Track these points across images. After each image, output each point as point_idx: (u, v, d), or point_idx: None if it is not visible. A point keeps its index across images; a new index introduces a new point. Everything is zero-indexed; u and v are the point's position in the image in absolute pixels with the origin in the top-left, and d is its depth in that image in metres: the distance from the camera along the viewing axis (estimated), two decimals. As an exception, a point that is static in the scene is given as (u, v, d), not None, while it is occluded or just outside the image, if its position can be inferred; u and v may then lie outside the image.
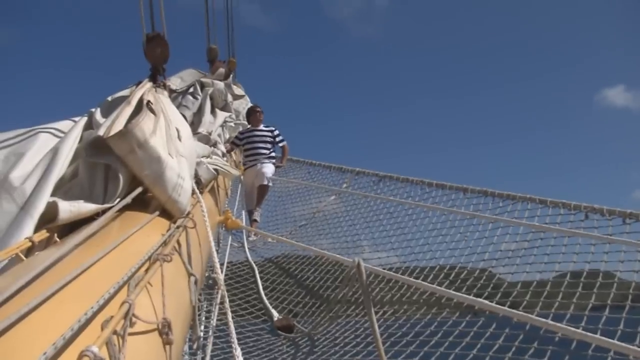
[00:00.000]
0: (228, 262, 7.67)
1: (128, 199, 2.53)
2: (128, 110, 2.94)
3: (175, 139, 3.18)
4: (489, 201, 7.86)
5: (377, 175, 10.44)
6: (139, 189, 2.68)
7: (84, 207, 2.33)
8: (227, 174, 5.46)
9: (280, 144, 11.21)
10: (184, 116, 4.99)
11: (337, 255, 5.67)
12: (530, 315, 4.03)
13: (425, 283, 5.42)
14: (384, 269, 6.57)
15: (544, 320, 3.87)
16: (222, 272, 4.25)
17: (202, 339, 4.65)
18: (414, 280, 5.15)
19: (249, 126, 10.88)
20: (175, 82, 6.44)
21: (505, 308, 4.38)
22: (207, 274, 5.88)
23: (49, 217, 2.21)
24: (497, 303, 5.14)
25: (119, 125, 2.63)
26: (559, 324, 3.85)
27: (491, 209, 7.67)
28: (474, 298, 4.67)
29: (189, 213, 3.04)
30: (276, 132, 11.08)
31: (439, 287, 4.96)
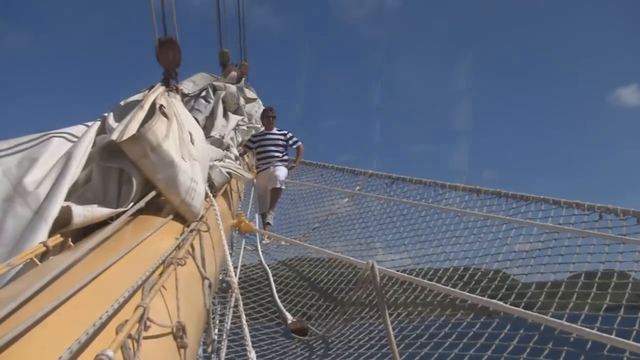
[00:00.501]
0: (242, 266, 7.68)
1: (141, 203, 2.54)
2: (141, 114, 2.95)
3: (188, 142, 3.18)
4: (502, 202, 7.86)
5: (390, 177, 10.44)
6: (153, 193, 2.69)
7: (98, 212, 2.34)
8: (240, 177, 5.47)
9: (295, 145, 11.22)
10: (196, 120, 5.01)
11: (351, 258, 5.67)
12: (544, 316, 4.02)
13: (439, 285, 5.42)
14: (397, 271, 6.57)
15: (558, 321, 3.86)
16: (235, 275, 4.26)
17: (216, 342, 4.65)
18: (428, 282, 5.14)
19: (262, 129, 10.90)
20: (187, 86, 6.47)
21: (520, 309, 4.36)
22: (220, 277, 5.89)
23: (63, 222, 2.22)
24: (511, 304, 5.12)
25: (132, 130, 2.65)
26: (573, 325, 3.83)
27: (505, 210, 7.67)
28: (488, 299, 4.67)
29: (202, 217, 3.05)
30: (289, 135, 11.09)
31: (453, 289, 4.94)
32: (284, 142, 10.98)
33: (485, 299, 4.63)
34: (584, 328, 3.78)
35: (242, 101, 8.51)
